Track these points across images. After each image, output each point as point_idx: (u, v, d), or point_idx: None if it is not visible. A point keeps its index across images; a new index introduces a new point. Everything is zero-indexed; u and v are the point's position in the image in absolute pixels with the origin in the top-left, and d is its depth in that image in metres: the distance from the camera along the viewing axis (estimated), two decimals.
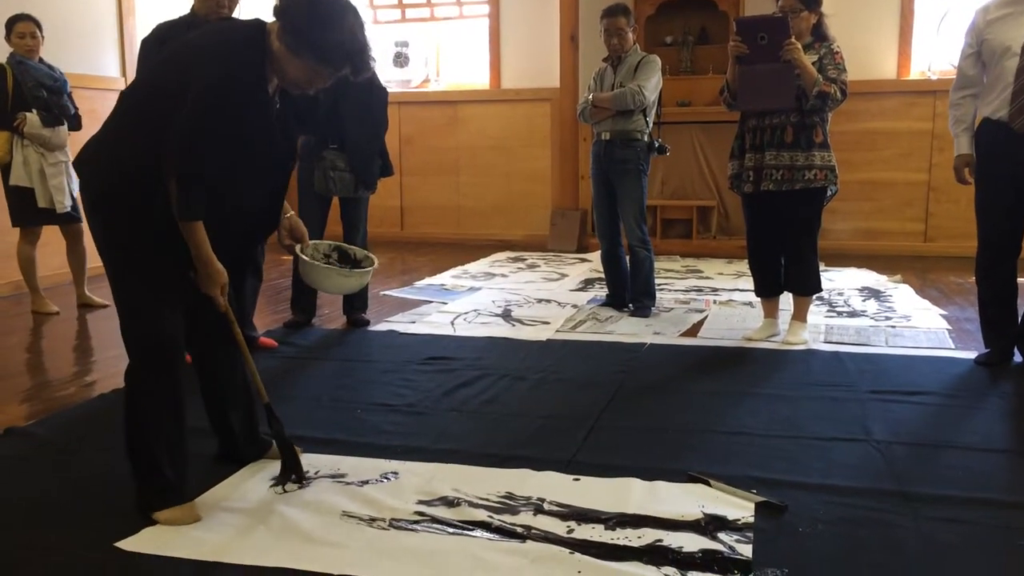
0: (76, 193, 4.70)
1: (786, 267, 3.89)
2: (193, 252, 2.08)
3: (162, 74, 2.09)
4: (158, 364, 2.13)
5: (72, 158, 4.57)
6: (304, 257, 2.47)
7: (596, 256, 5.54)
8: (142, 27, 6.00)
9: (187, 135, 1.97)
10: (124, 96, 2.16)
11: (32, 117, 4.49)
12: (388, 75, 7.49)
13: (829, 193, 3.77)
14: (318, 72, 2.07)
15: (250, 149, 2.11)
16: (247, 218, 2.25)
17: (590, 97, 4.47)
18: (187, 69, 2.00)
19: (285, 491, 2.32)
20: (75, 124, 4.75)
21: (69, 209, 4.64)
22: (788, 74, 3.57)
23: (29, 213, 4.58)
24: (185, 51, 2.08)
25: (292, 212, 2.43)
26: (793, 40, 3.54)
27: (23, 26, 4.53)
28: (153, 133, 2.00)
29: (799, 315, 3.96)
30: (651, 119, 4.45)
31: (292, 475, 2.38)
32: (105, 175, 2.10)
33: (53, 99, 4.58)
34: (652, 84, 4.35)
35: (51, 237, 4.89)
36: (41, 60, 4.63)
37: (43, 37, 4.61)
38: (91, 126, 5.63)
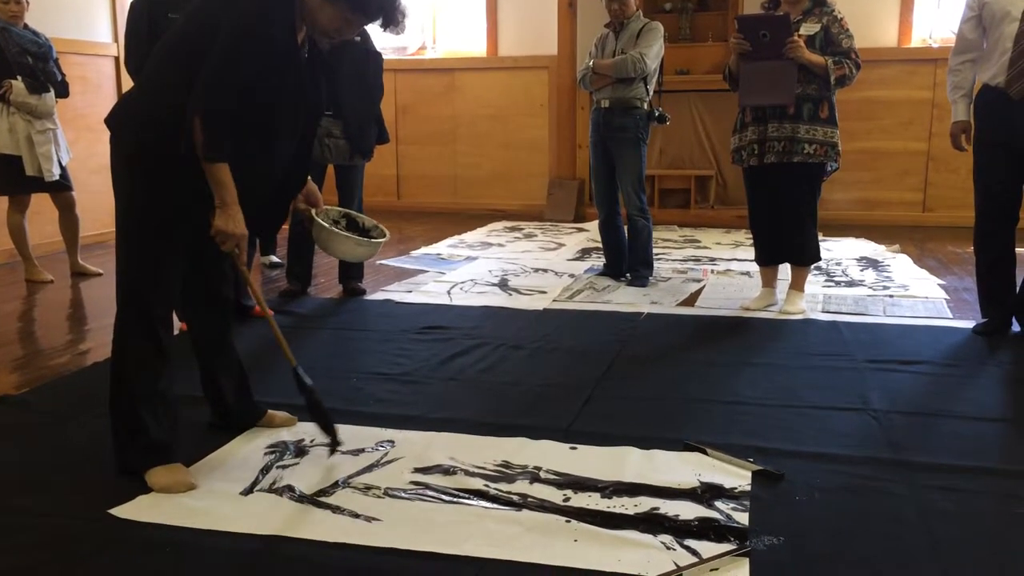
0: (65, 161, 4.64)
1: (785, 238, 3.87)
2: (217, 197, 2.02)
3: (194, 20, 2.05)
4: (150, 320, 2.12)
5: (59, 126, 4.57)
6: (322, 222, 2.45)
7: (593, 226, 5.51)
8: None
9: (218, 69, 1.94)
10: (153, 54, 2.13)
11: (18, 84, 4.41)
12: (383, 42, 7.38)
13: (829, 168, 3.75)
14: (350, 21, 2.06)
15: (280, 97, 2.08)
16: (277, 172, 2.22)
17: (591, 63, 4.41)
18: (220, 10, 1.97)
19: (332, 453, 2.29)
20: (62, 91, 4.67)
21: (58, 177, 4.59)
22: (791, 71, 3.55)
23: (17, 181, 4.52)
24: None
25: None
26: (796, 39, 3.51)
27: None
28: (188, 78, 1.97)
29: (797, 285, 3.94)
30: (651, 87, 4.40)
31: (330, 441, 2.29)
32: (138, 129, 2.06)
33: (39, 65, 4.50)
34: (654, 52, 4.29)
35: (44, 205, 4.84)
36: (26, 26, 4.55)
37: (28, 3, 4.52)
38: (82, 92, 5.60)
